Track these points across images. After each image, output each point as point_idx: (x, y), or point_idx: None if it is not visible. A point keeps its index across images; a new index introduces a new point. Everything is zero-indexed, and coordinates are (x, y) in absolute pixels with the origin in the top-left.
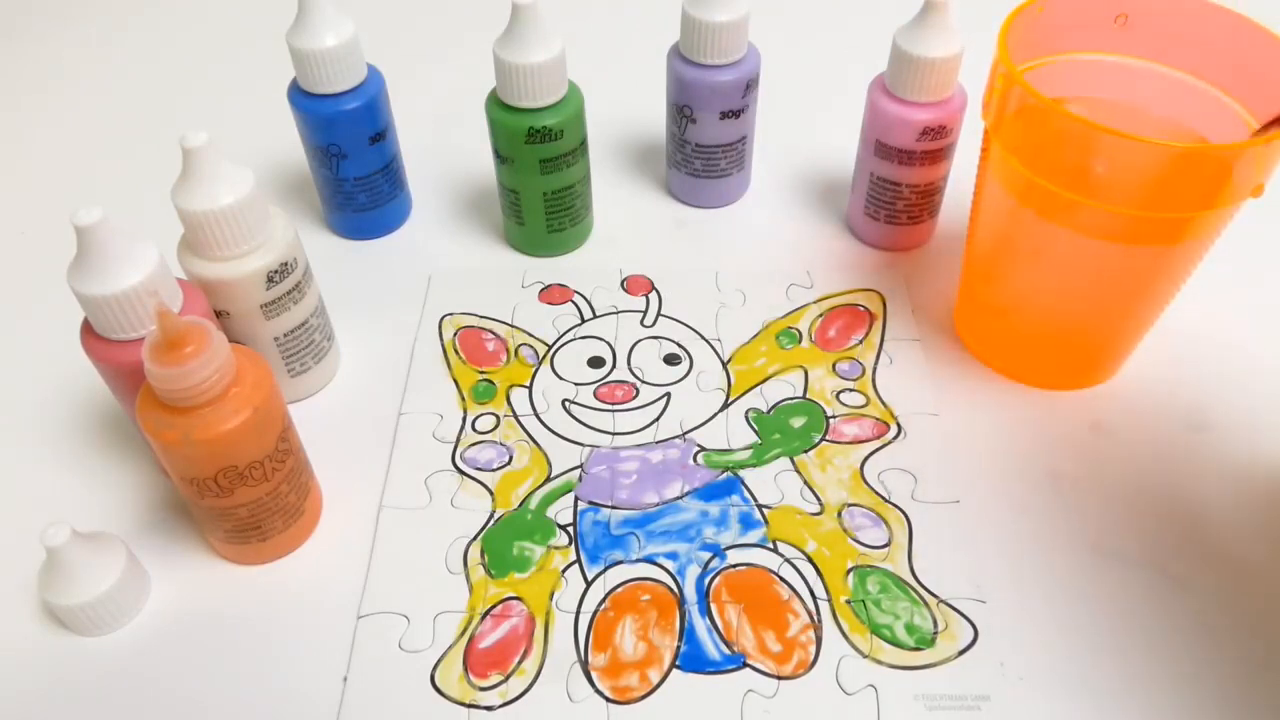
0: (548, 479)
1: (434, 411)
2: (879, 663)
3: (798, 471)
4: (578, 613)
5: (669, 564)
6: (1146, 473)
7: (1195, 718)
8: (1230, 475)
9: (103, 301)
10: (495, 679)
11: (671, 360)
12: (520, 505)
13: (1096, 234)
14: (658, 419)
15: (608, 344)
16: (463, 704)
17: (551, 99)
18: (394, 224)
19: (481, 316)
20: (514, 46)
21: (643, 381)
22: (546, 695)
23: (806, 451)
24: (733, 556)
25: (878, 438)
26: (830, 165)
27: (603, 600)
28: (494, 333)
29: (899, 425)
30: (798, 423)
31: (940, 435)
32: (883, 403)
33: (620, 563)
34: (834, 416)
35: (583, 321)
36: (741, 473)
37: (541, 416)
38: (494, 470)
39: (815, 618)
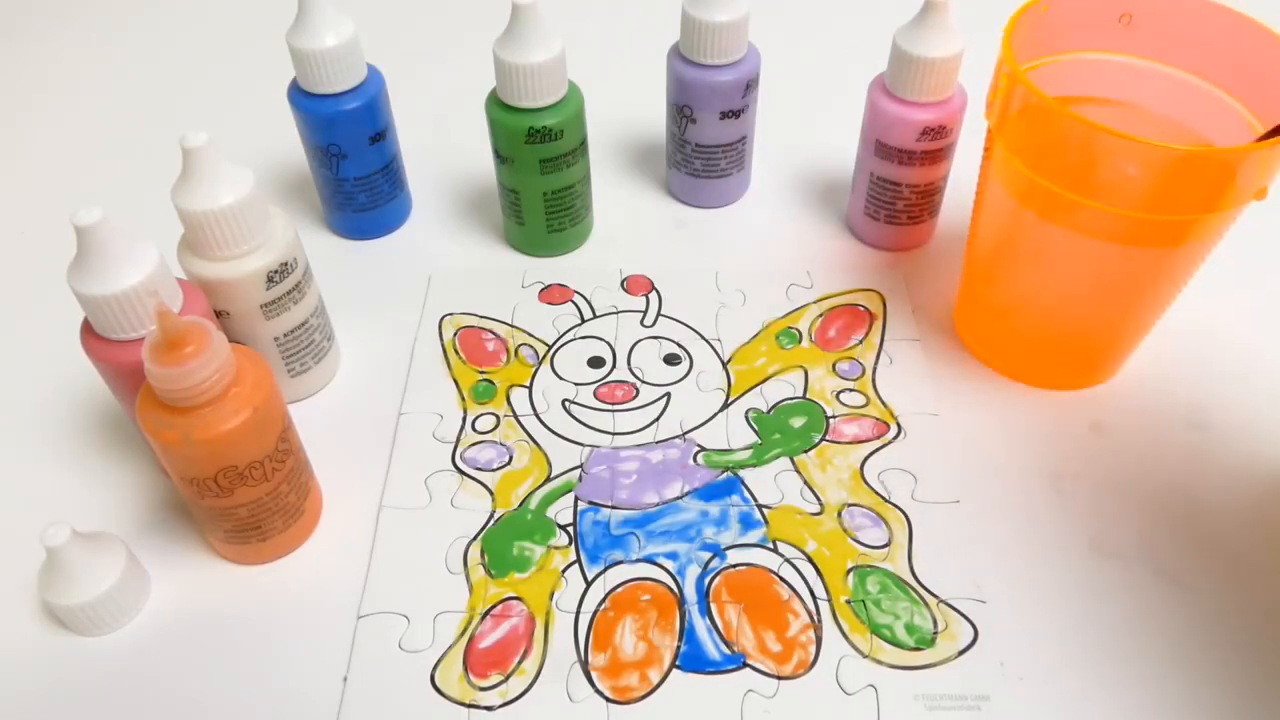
0: (548, 479)
1: (434, 411)
2: (879, 663)
3: (798, 471)
4: (578, 613)
5: (669, 564)
6: (1146, 473)
7: (1195, 717)
8: (1230, 475)
9: (103, 301)
10: (495, 679)
11: (671, 360)
12: (520, 505)
13: (1098, 235)
14: (658, 419)
15: (608, 344)
16: (463, 704)
17: (551, 99)
18: (394, 224)
19: (481, 316)
20: (514, 46)
21: (643, 381)
22: (546, 695)
23: (806, 451)
24: (733, 556)
25: (878, 438)
26: (830, 165)
27: (603, 600)
28: (494, 333)
29: (899, 425)
30: (798, 423)
31: (940, 435)
32: (883, 403)
33: (620, 563)
34: (834, 416)
35: (583, 321)
36: (741, 473)
37: (541, 416)
38: (494, 470)
39: (815, 618)
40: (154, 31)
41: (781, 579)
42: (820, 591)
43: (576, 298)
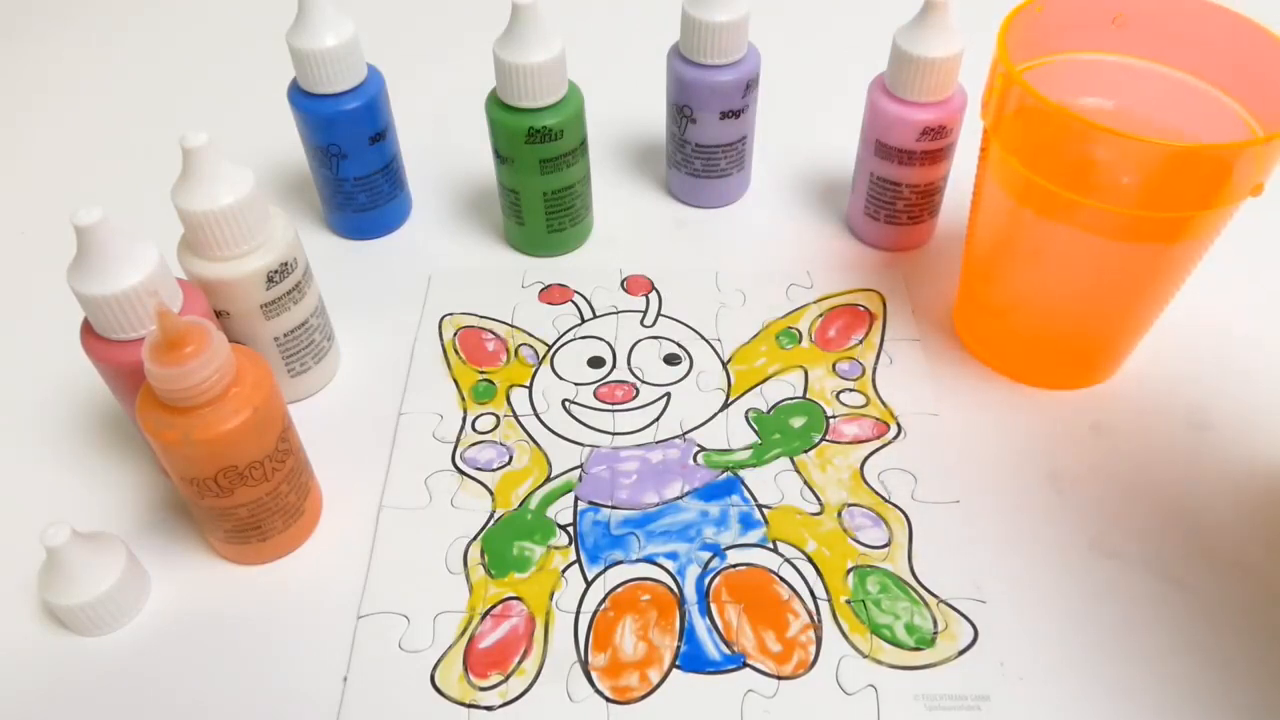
0: (548, 479)
1: (434, 411)
2: (879, 663)
3: (798, 471)
4: (578, 613)
5: (669, 564)
6: (1146, 473)
7: (1194, 717)
8: (1231, 474)
9: (103, 301)
10: (495, 679)
11: (671, 360)
12: (520, 505)
13: (1096, 233)
14: (658, 419)
15: (608, 344)
16: (463, 704)
17: (551, 99)
18: (394, 224)
19: (481, 316)
20: (514, 46)
21: (643, 381)
22: (546, 695)
23: (806, 451)
24: (733, 556)
25: (878, 438)
26: (830, 165)
27: (603, 600)
28: (494, 333)
29: (899, 425)
30: (798, 423)
31: (940, 435)
32: (883, 403)
33: (620, 563)
34: (834, 416)
35: (583, 321)
36: (741, 473)
37: (541, 416)
38: (494, 470)
39: (815, 618)
40: (154, 31)
41: (781, 579)
42: (820, 591)
43: (576, 298)
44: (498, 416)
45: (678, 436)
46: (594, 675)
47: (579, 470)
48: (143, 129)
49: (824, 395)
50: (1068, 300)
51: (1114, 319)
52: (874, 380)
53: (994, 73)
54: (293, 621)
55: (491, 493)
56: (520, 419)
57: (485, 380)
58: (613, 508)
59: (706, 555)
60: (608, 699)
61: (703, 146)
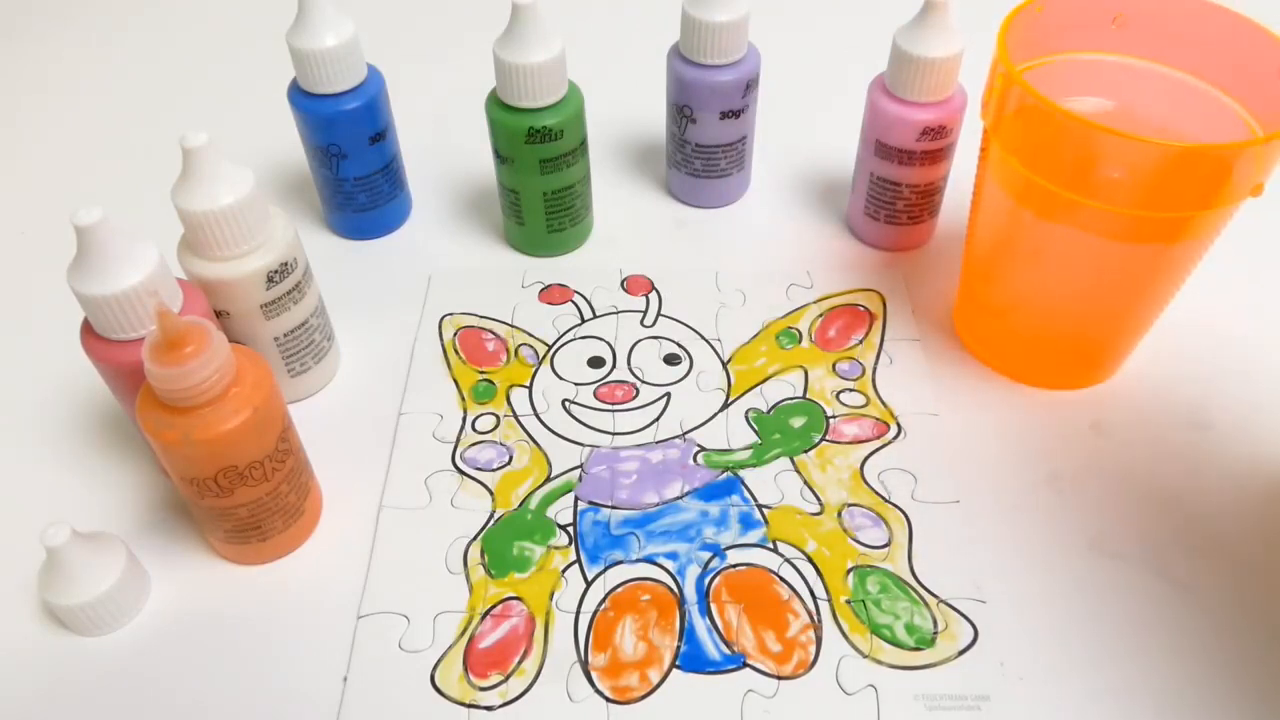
0: (548, 479)
1: (434, 411)
2: (879, 663)
3: (798, 471)
4: (578, 613)
5: (669, 564)
6: (1147, 472)
7: (1195, 717)
8: (1231, 474)
9: (103, 301)
10: (495, 679)
11: (671, 360)
12: (520, 505)
13: (1096, 233)
14: (658, 419)
15: (608, 344)
16: (463, 704)
17: (551, 99)
18: (394, 224)
19: (481, 316)
20: (514, 46)
21: (643, 381)
22: (546, 695)
23: (806, 451)
24: (733, 556)
25: (878, 438)
26: (830, 165)
27: (603, 600)
28: (494, 333)
29: (899, 425)
30: (798, 423)
31: (940, 435)
32: (883, 403)
33: (620, 563)
34: (834, 416)
35: (583, 321)
36: (741, 473)
37: (541, 416)
38: (494, 470)
39: (815, 618)
40: (154, 31)
41: (781, 579)
42: (820, 591)
43: (576, 298)
44: (498, 416)
45: (678, 436)
46: (594, 675)
47: (579, 470)
48: (143, 129)
49: (824, 395)
50: (1068, 300)
51: (1114, 319)
52: (874, 380)
53: (994, 73)
54: (293, 621)
55: (491, 493)
56: (520, 419)
57: (485, 380)
58: (613, 508)
59: (706, 555)
60: (608, 699)
61: (703, 146)
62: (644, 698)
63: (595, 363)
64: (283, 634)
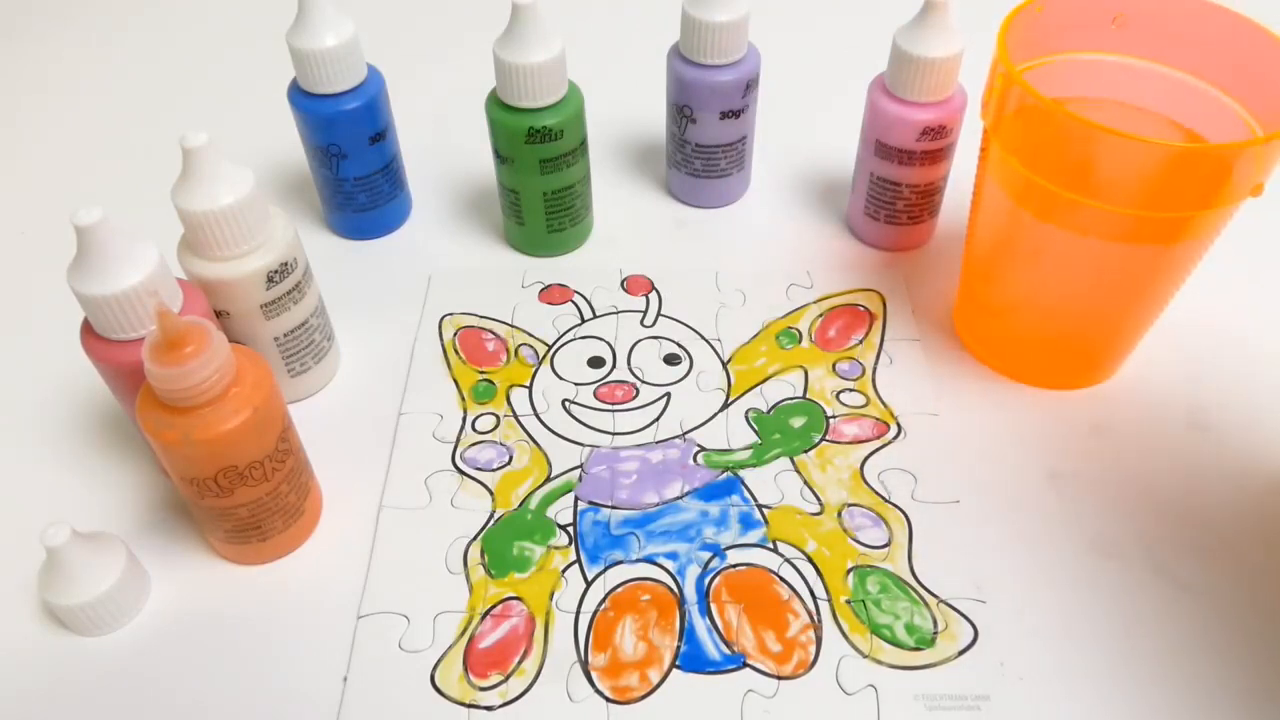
0: (548, 479)
1: (434, 411)
2: (879, 663)
3: (798, 471)
4: (578, 613)
5: (669, 564)
6: (1146, 473)
7: (1195, 716)
8: (1230, 474)
9: (103, 301)
10: (495, 679)
11: (671, 360)
12: (520, 505)
13: (1096, 234)
14: (658, 419)
15: (608, 344)
16: (463, 704)
17: (551, 99)
18: (394, 224)
19: (481, 316)
20: (514, 46)
21: (643, 381)
22: (546, 695)
23: (806, 451)
24: (733, 556)
25: (878, 438)
26: (830, 165)
27: (603, 600)
28: (494, 333)
29: (899, 425)
30: (798, 423)
31: (940, 435)
32: (883, 403)
33: (620, 563)
34: (834, 416)
35: (583, 321)
36: (741, 473)
37: (541, 416)
38: (494, 470)
39: (815, 618)
40: (154, 31)
41: (781, 579)
42: (820, 591)
43: (576, 298)
44: (498, 416)
45: (678, 436)
46: (594, 675)
47: (579, 470)
48: (143, 129)
49: (824, 395)
50: (1068, 300)
51: (1114, 319)
52: (874, 380)
53: (994, 73)
54: (293, 621)
55: (491, 493)
56: (520, 419)
57: (485, 380)
58: (613, 508)
59: (706, 555)
60: (608, 699)
61: (703, 146)
62: (644, 698)
63: (595, 363)
64: (283, 634)
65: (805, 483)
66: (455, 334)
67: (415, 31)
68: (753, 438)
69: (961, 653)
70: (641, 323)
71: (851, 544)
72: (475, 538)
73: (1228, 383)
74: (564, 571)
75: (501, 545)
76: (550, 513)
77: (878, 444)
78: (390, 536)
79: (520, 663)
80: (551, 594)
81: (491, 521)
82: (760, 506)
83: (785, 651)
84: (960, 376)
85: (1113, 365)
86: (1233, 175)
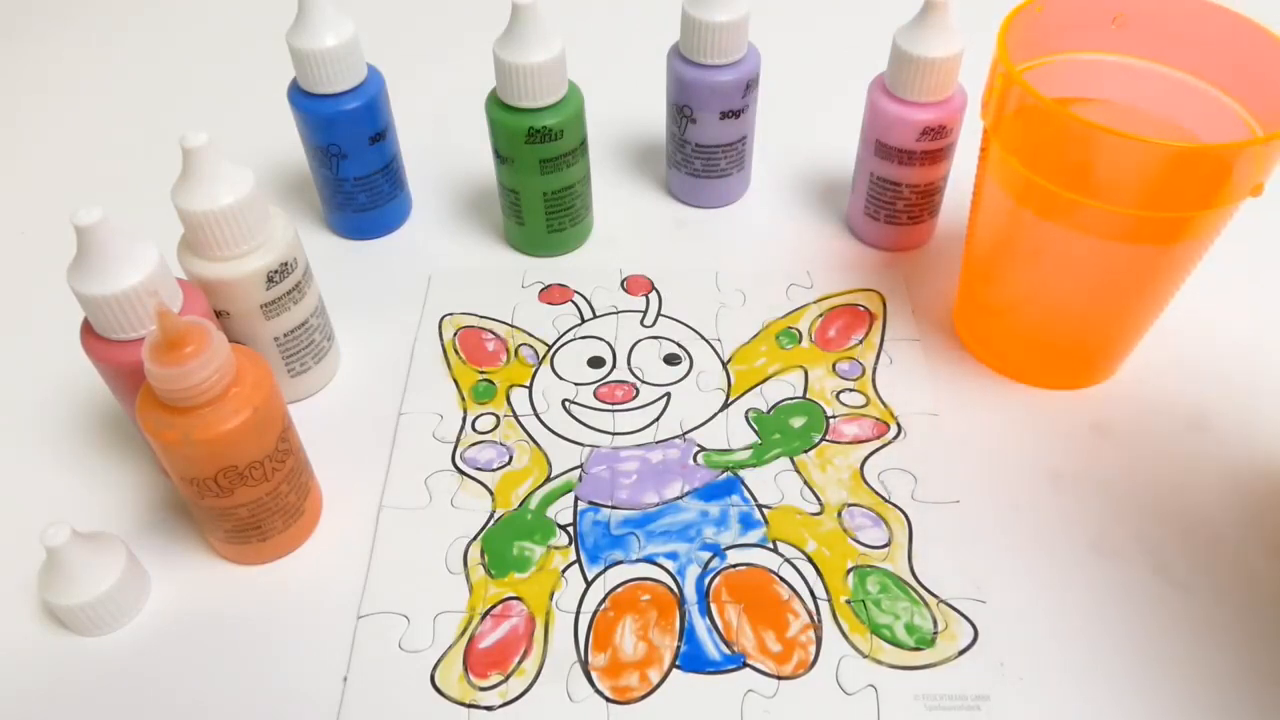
0: (548, 479)
1: (434, 411)
2: (879, 663)
3: (798, 471)
4: (578, 613)
5: (669, 564)
6: (1146, 473)
7: (1195, 716)
8: (1230, 475)
9: (103, 301)
10: (495, 679)
11: (671, 360)
12: (520, 505)
13: (1096, 234)
14: (658, 419)
15: (608, 344)
16: (463, 704)
17: (551, 99)
18: (394, 224)
19: (481, 316)
20: (514, 46)
21: (643, 381)
22: (546, 695)
23: (806, 451)
24: (733, 556)
25: (878, 438)
26: (830, 165)
27: (603, 600)
28: (494, 333)
29: (899, 425)
30: (798, 423)
31: (940, 435)
32: (883, 403)
33: (620, 563)
34: (834, 416)
35: (583, 321)
36: (741, 473)
37: (541, 416)
38: (494, 470)
39: (815, 618)
40: (154, 31)
41: (781, 579)
42: (820, 591)
43: (576, 298)
44: (498, 416)
45: (678, 436)
46: (594, 675)
47: (579, 470)
48: (143, 129)
49: (824, 395)
50: (1068, 300)
51: (1114, 319)
52: (874, 380)
53: (994, 73)
54: (293, 621)
55: (491, 493)
56: (520, 419)
57: (485, 380)
58: (613, 508)
59: (706, 555)
60: (608, 699)
61: (703, 146)
62: (644, 698)
63: (595, 363)
64: (283, 634)
65: (805, 483)
66: (455, 334)
67: (415, 31)
68: (753, 438)
69: (961, 653)
70: (641, 323)
71: (851, 544)
72: (475, 538)
73: (1228, 383)
74: (564, 571)
75: (501, 545)
76: (550, 513)
77: (878, 444)
78: (390, 536)
79: (520, 663)
80: (551, 594)
81: (491, 521)
82: (760, 506)
83: (785, 651)
84: (960, 376)
85: (1113, 365)
86: (1233, 175)
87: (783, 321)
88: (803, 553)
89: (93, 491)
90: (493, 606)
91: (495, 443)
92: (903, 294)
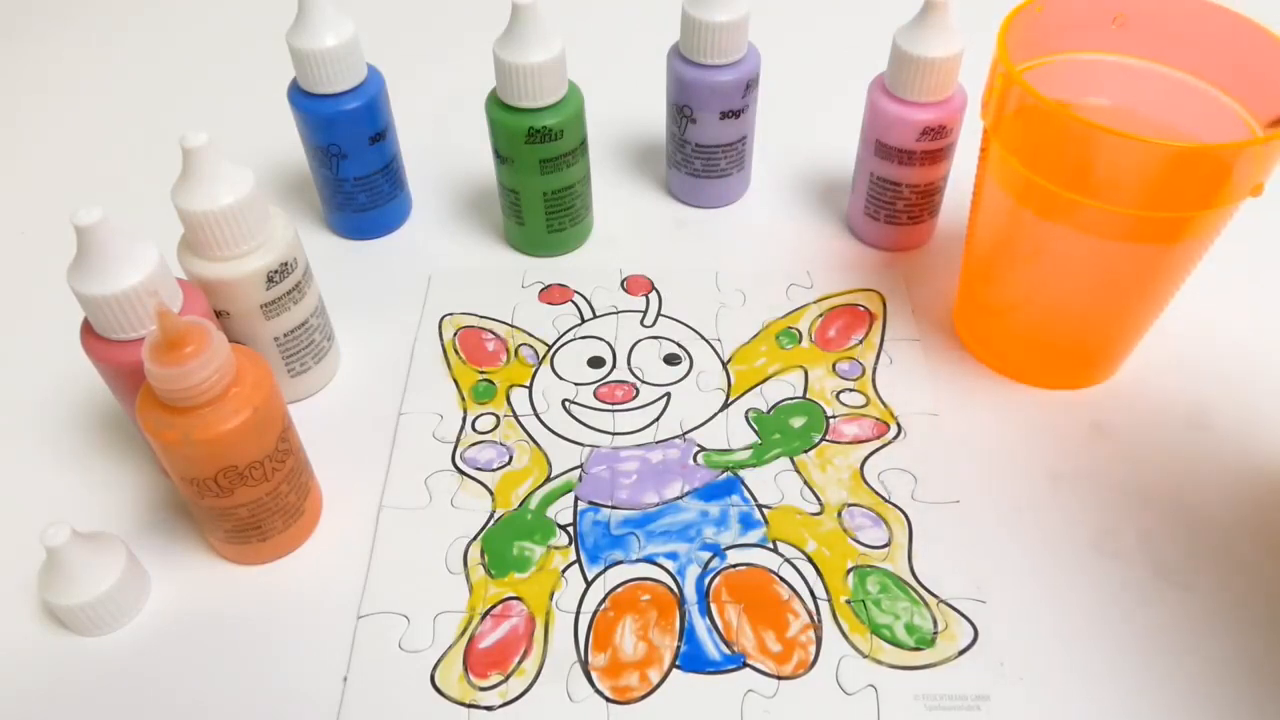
0: (548, 479)
1: (434, 411)
2: (879, 663)
3: (798, 471)
4: (578, 613)
5: (669, 564)
6: (1146, 473)
7: (1195, 717)
8: (1230, 475)
9: (103, 301)
10: (495, 679)
11: (671, 360)
12: (520, 505)
13: (1096, 234)
14: (658, 419)
15: (608, 344)
16: (463, 704)
17: (551, 99)
18: (394, 224)
19: (481, 316)
20: (514, 46)
21: (643, 381)
22: (546, 695)
23: (806, 451)
24: (733, 556)
25: (878, 438)
26: (830, 165)
27: (603, 600)
28: (494, 333)
29: (899, 425)
30: (798, 423)
31: (940, 435)
32: (883, 403)
33: (620, 563)
34: (834, 416)
35: (583, 321)
36: (741, 473)
37: (541, 416)
38: (494, 470)
39: (815, 618)
40: (154, 31)
41: (781, 579)
42: (820, 591)
43: (576, 298)
44: (498, 416)
45: (678, 436)
46: (594, 675)
47: (579, 470)
48: (143, 129)
49: (824, 395)
50: (1068, 300)
51: (1114, 319)
52: (874, 380)
53: (994, 73)
54: (293, 621)
55: (491, 493)
56: (520, 419)
57: (485, 380)
58: (613, 508)
59: (706, 555)
60: (608, 699)
61: (703, 146)
62: (644, 698)
63: (595, 363)
64: (283, 634)
65: (805, 483)
66: (455, 334)
67: (415, 31)
68: (753, 438)
69: (961, 653)
70: (641, 323)
71: (851, 544)
72: (475, 538)
73: (1228, 383)
74: (564, 571)
75: (501, 545)
76: (550, 513)
77: (878, 444)
78: (390, 536)
79: (520, 663)
80: (551, 594)
81: (491, 521)
82: (760, 506)
83: (785, 651)
84: (960, 376)
85: (1113, 365)
86: (1233, 175)
87: (783, 321)
88: (803, 553)
89: (93, 491)
90: (493, 606)
91: (495, 443)
92: (903, 294)
